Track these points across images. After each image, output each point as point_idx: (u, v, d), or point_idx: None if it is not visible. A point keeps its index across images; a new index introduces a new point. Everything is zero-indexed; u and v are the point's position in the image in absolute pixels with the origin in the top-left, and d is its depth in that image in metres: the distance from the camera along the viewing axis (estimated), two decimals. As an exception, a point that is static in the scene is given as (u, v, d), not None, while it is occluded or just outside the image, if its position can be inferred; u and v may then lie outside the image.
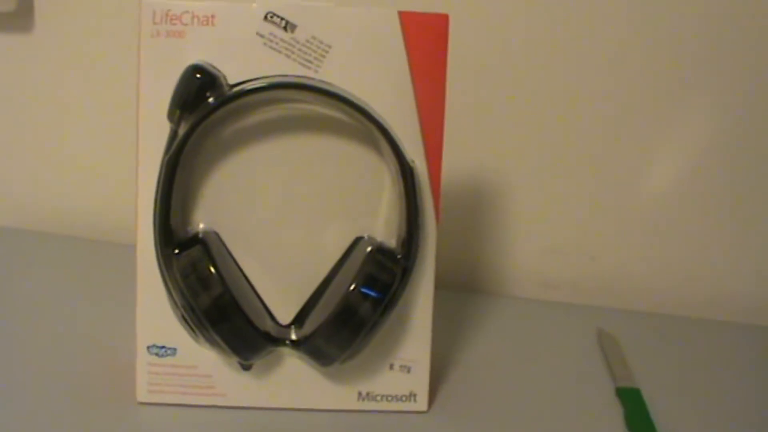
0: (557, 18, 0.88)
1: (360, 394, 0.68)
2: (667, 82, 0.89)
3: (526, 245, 0.95)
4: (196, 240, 0.63)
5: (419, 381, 0.68)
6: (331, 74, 0.62)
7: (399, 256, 0.63)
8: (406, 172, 0.62)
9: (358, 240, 0.66)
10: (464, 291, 0.93)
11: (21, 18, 0.98)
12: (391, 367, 0.68)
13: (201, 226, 0.65)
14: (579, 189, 0.93)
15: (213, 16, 0.62)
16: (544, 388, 0.74)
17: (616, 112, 0.90)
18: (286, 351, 0.66)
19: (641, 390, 0.73)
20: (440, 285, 0.67)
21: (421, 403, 0.68)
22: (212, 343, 0.63)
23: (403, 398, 0.68)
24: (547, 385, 0.74)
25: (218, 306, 0.60)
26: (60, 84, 0.99)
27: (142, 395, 0.67)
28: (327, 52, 0.62)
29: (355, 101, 0.62)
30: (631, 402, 0.71)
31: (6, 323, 0.78)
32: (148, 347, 0.66)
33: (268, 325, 0.65)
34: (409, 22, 0.63)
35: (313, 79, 0.62)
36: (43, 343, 0.75)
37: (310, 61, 0.62)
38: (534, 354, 0.80)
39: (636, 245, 0.94)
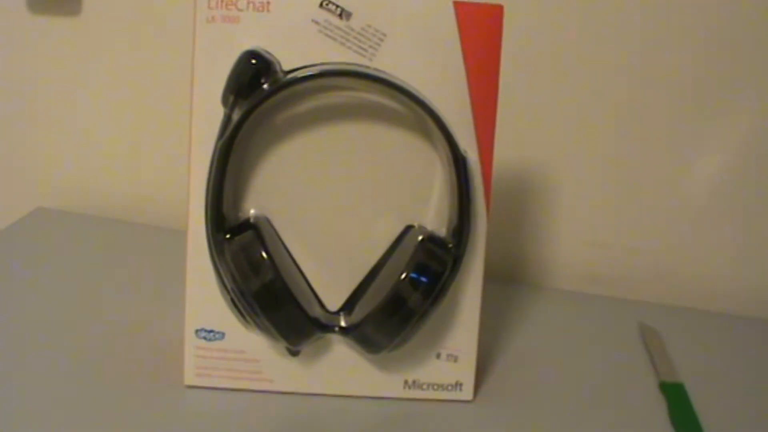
0: (608, 11, 0.88)
1: (406, 382, 0.68)
2: (712, 77, 0.88)
3: (571, 238, 0.95)
4: (248, 225, 0.63)
5: (466, 370, 0.68)
6: (385, 63, 0.62)
7: (450, 246, 0.63)
8: (459, 162, 0.62)
9: (408, 229, 0.66)
10: (509, 282, 0.93)
11: (69, 1, 0.98)
12: (438, 356, 0.68)
13: (252, 212, 0.65)
14: (623, 182, 0.92)
15: (268, 2, 0.62)
16: (588, 381, 0.74)
17: (663, 106, 0.90)
18: (334, 338, 0.66)
19: (685, 385, 0.73)
20: (487, 276, 0.67)
21: (467, 393, 0.69)
22: (261, 328, 0.63)
23: (449, 387, 0.68)
24: (590, 378, 0.74)
25: (269, 291, 0.61)
26: (111, 68, 0.98)
27: (189, 378, 0.67)
28: (382, 40, 0.62)
29: (409, 90, 0.61)
30: (675, 397, 0.71)
31: (56, 307, 0.78)
32: (197, 331, 0.66)
33: (317, 312, 0.65)
34: (464, 12, 0.63)
35: (367, 67, 0.62)
36: (93, 327, 0.75)
37: (364, 49, 0.62)
38: (577, 347, 0.80)
39: (680, 240, 0.93)
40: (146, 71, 0.98)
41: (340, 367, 0.67)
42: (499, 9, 0.63)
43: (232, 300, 0.64)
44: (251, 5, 0.62)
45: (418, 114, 0.63)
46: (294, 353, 0.67)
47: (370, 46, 0.62)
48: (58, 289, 0.82)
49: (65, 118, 1.02)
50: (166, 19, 0.95)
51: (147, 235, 0.95)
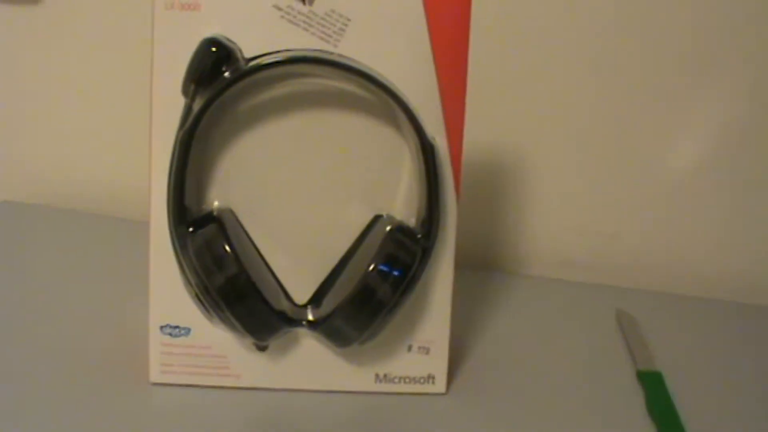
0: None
1: (377, 375, 0.67)
2: (692, 59, 0.88)
3: (546, 223, 0.94)
4: (211, 218, 0.61)
5: (438, 362, 0.67)
6: (350, 48, 0.61)
7: (419, 236, 0.62)
8: (427, 150, 0.61)
9: (376, 219, 0.65)
10: (482, 269, 0.92)
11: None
12: (410, 348, 0.67)
13: (216, 203, 0.64)
14: (600, 166, 0.92)
15: (229, -12, 0.60)
16: (564, 371, 0.73)
17: (640, 88, 0.89)
18: (302, 332, 0.65)
19: (662, 373, 0.72)
20: (459, 264, 0.66)
21: (440, 385, 0.68)
22: (227, 323, 0.62)
23: (422, 380, 0.67)
24: (566, 367, 0.73)
25: (233, 285, 0.59)
26: (70, 57, 0.98)
27: (155, 376, 0.66)
28: (346, 25, 0.61)
29: (375, 76, 0.60)
30: (653, 386, 0.70)
31: (15, 300, 0.77)
32: (162, 327, 0.65)
33: (284, 305, 0.64)
34: (431, -6, 0.61)
35: (331, 53, 0.61)
36: (55, 322, 0.74)
37: (328, 35, 0.61)
38: (553, 335, 0.79)
39: (657, 224, 0.92)
40: (108, 60, 0.97)
41: (310, 361, 0.66)
42: (467, -10, 0.61)
43: (197, 295, 0.62)
44: (211, -9, 0.60)
45: (385, 100, 0.61)
46: (261, 348, 0.65)
47: (335, 32, 0.61)
48: (22, 284, 0.81)
49: (27, 110, 1.01)
50: (128, 7, 0.93)
51: (114, 227, 0.94)
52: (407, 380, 0.67)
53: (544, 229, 0.94)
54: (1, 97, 1.01)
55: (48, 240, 0.91)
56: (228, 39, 0.60)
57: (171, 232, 0.62)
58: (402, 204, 0.65)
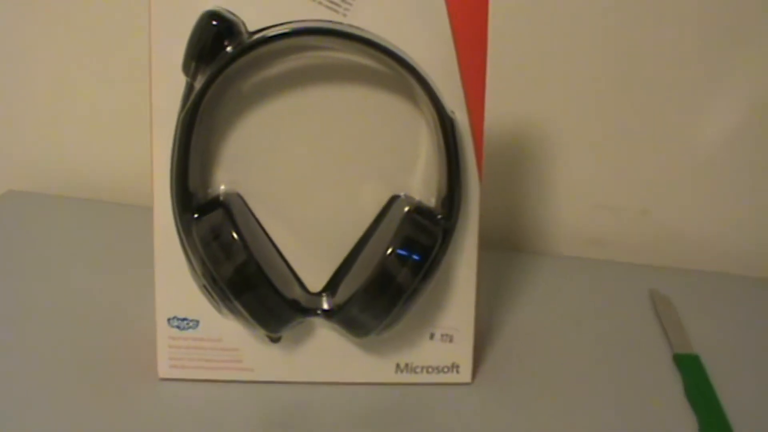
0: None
1: (398, 366, 0.65)
2: (720, 33, 0.85)
3: (574, 200, 0.92)
4: (217, 203, 0.59)
5: (462, 351, 0.65)
6: (362, 18, 0.58)
7: (439, 216, 0.60)
8: (446, 124, 0.58)
9: (394, 199, 0.62)
10: (508, 250, 0.90)
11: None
12: (432, 336, 0.64)
13: (222, 188, 0.61)
14: (629, 139, 0.89)
15: (230, -43, 0.57)
16: (596, 356, 0.70)
17: (669, 60, 0.87)
18: (317, 321, 0.63)
19: (700, 357, 0.69)
20: (482, 244, 0.63)
21: (465, 375, 0.65)
22: (236, 314, 0.59)
23: (445, 369, 0.65)
24: (598, 352, 0.71)
25: (242, 275, 0.57)
26: (70, 39, 0.97)
27: (163, 371, 0.64)
28: (356, -7, 0.58)
29: (388, 47, 0.57)
30: (690, 370, 0.68)
31: (18, 293, 0.76)
32: (169, 320, 0.63)
33: (297, 294, 0.62)
34: (447, -44, 0.58)
35: (341, 23, 0.58)
36: (60, 315, 0.72)
37: (337, 4, 0.58)
38: (584, 318, 0.76)
39: (691, 199, 0.90)
40: (109, 40, 0.96)
41: (326, 352, 0.64)
42: (486, -47, 0.58)
43: (204, 285, 0.60)
44: (211, -39, 0.57)
45: (400, 73, 0.58)
46: (275, 340, 0.63)
47: (344, 1, 0.58)
48: (25, 275, 0.79)
49: (26, 97, 1.00)
50: None
51: (119, 214, 0.92)
52: (430, 370, 0.65)
53: (571, 207, 0.92)
54: (2, 87, 1.00)
55: (52, 229, 0.89)
56: (230, 11, 0.57)
57: (175, 219, 0.59)
58: (420, 183, 0.62)
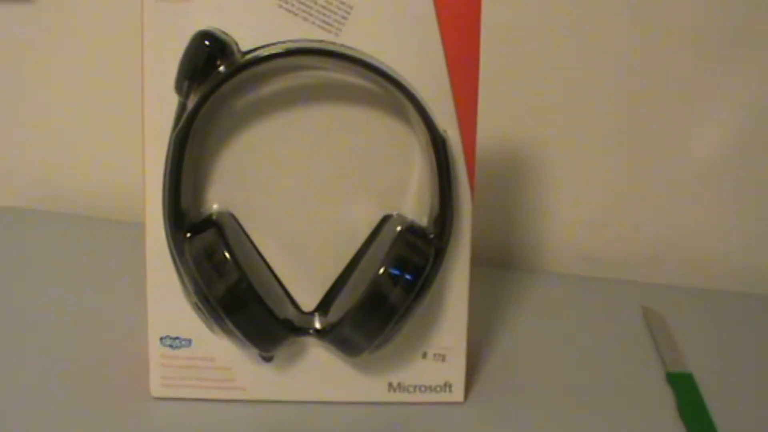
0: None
1: (391, 385, 0.64)
2: (714, 48, 0.85)
3: (566, 217, 0.92)
4: (210, 222, 0.59)
5: (455, 370, 0.64)
6: (354, 38, 0.58)
7: (431, 236, 0.59)
8: (438, 143, 0.58)
9: (386, 218, 0.62)
10: (500, 267, 0.89)
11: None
12: (425, 355, 0.64)
13: (215, 207, 0.61)
14: (620, 156, 0.89)
15: (222, -23, 0.57)
16: (589, 374, 0.70)
17: (660, 76, 0.87)
18: (310, 341, 0.62)
19: (693, 375, 0.69)
20: (474, 262, 0.63)
21: (458, 394, 0.65)
22: (229, 333, 0.59)
23: (438, 389, 0.64)
24: (591, 370, 0.70)
25: (234, 294, 0.56)
26: (65, 57, 0.97)
27: (156, 390, 0.63)
28: (348, 13, 0.58)
29: (381, 67, 0.57)
30: (684, 388, 0.67)
31: (9, 312, 0.75)
32: (161, 338, 0.62)
33: (289, 313, 0.62)
34: (438, -23, 0.58)
35: (333, 43, 0.58)
36: (51, 334, 0.72)
37: (330, 24, 0.58)
38: (576, 336, 0.76)
39: (683, 215, 0.90)
40: (103, 60, 0.96)
41: (319, 371, 0.63)
42: (476, -26, 0.58)
43: (197, 304, 0.59)
44: (204, -19, 0.57)
45: (392, 92, 0.58)
46: (267, 359, 0.63)
47: (336, 20, 0.58)
48: (17, 293, 0.79)
49: (22, 112, 1.00)
50: (122, 5, 0.92)
51: (113, 232, 0.92)
52: (423, 389, 0.64)
53: (563, 224, 0.92)
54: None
55: (44, 247, 0.89)
56: (222, 31, 0.57)
57: (167, 238, 0.59)
58: (413, 202, 0.62)
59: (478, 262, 0.64)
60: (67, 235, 0.92)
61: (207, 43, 0.56)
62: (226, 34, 0.57)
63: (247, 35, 0.57)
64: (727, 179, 0.88)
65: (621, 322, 0.78)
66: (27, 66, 0.98)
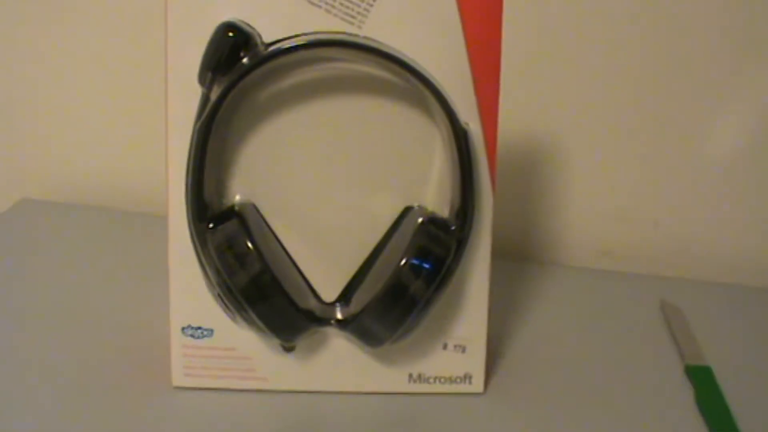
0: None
1: (411, 376, 0.64)
2: (733, 42, 0.85)
3: (585, 211, 0.91)
4: (232, 213, 0.59)
5: (475, 361, 0.64)
6: (376, 30, 0.58)
7: (453, 227, 0.59)
8: (460, 136, 0.58)
9: (407, 210, 0.62)
10: (520, 260, 0.89)
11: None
12: (445, 346, 0.64)
13: (237, 197, 0.61)
14: (640, 150, 0.89)
15: (246, -30, 0.57)
16: (608, 367, 0.70)
17: (681, 70, 0.86)
18: (331, 331, 0.62)
19: (712, 368, 0.69)
20: (495, 254, 0.63)
21: (477, 385, 0.65)
22: (251, 323, 0.59)
23: (458, 380, 0.65)
24: (610, 363, 0.71)
25: (257, 284, 0.57)
26: (87, 51, 0.96)
27: (177, 379, 0.64)
28: (371, 5, 0.58)
29: (403, 59, 0.57)
30: (702, 381, 0.67)
31: (39, 304, 0.75)
32: (183, 328, 0.63)
33: (311, 304, 0.62)
34: (460, -31, 0.58)
35: (356, 35, 0.58)
36: (72, 324, 0.72)
37: (352, 16, 0.58)
38: (595, 329, 0.76)
39: (703, 209, 0.90)
40: (123, 51, 0.95)
41: (339, 362, 0.64)
42: (499, -36, 0.58)
43: (219, 294, 0.60)
44: (227, -27, 0.57)
45: (414, 85, 0.58)
46: (288, 349, 0.63)
47: (359, 13, 0.58)
48: (41, 284, 0.79)
49: (41, 106, 1.00)
50: None
51: (136, 223, 0.91)
52: (443, 380, 0.65)
53: (584, 218, 0.92)
54: (18, 95, 0.99)
55: (66, 238, 0.89)
56: (246, 23, 0.57)
57: (190, 229, 0.59)
58: (434, 194, 0.62)
59: (497, 254, 0.64)
60: (90, 227, 0.92)
61: (230, 34, 0.56)
62: (250, 26, 0.57)
63: (271, 27, 0.57)
64: (747, 174, 0.88)
65: (639, 316, 0.78)
66: (46, 57, 0.98)
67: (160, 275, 0.63)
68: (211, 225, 0.58)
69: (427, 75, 0.57)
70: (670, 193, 0.89)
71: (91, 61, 0.97)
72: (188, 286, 0.62)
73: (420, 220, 0.60)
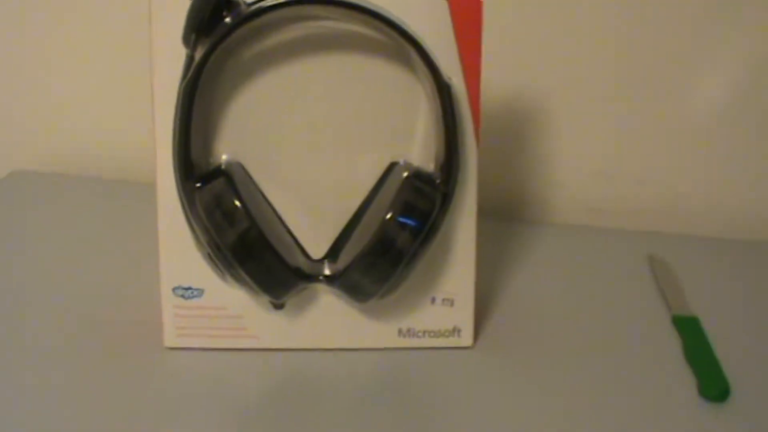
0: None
1: (400, 330, 0.65)
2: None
3: (572, 169, 0.91)
4: (219, 172, 0.59)
5: (463, 315, 0.65)
6: (358, -13, 0.58)
7: (438, 181, 0.60)
8: (443, 91, 0.58)
9: (393, 165, 0.62)
10: (507, 219, 0.89)
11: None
12: (433, 300, 0.64)
13: (224, 157, 0.62)
14: (625, 108, 0.89)
15: (226, -72, 0.57)
16: (596, 320, 0.70)
17: (664, 28, 0.86)
18: (319, 287, 0.63)
19: (699, 318, 0.69)
20: (481, 213, 0.63)
21: (466, 338, 0.66)
22: (240, 282, 0.60)
23: (447, 333, 0.65)
24: (598, 316, 0.71)
25: (245, 242, 0.57)
26: (68, 13, 0.96)
27: (169, 340, 0.64)
28: (352, -38, 0.58)
29: (385, 15, 0.57)
30: (690, 331, 0.68)
31: (31, 272, 0.76)
32: (174, 289, 0.63)
33: (299, 261, 0.62)
34: (441, -74, 0.58)
35: (338, -7, 0.58)
36: (65, 290, 0.73)
37: (334, -26, 0.58)
38: (583, 283, 0.76)
39: (687, 165, 0.90)
40: (108, 16, 0.95)
41: (329, 318, 0.64)
42: None
43: (208, 254, 0.60)
44: (208, -68, 0.57)
45: (397, 41, 0.58)
46: (278, 307, 0.63)
47: (341, -30, 0.58)
48: (33, 253, 0.79)
49: (28, 77, 1.00)
50: None
51: (125, 193, 0.91)
52: (432, 334, 0.65)
53: (569, 175, 0.92)
54: (5, 69, 0.99)
55: (56, 208, 0.89)
56: (228, -17, 0.57)
57: (178, 189, 0.59)
58: (419, 150, 0.62)
59: (484, 213, 0.65)
60: (82, 196, 0.92)
61: (213, -6, 0.56)
62: (232, -15, 0.57)
63: (253, -14, 0.57)
64: (731, 130, 0.88)
65: (627, 271, 0.79)
66: (31, 28, 0.97)
67: (151, 240, 0.63)
68: (198, 184, 0.58)
69: (410, 31, 0.57)
70: (656, 150, 0.90)
71: (77, 30, 0.96)
72: (178, 247, 0.62)
73: (405, 174, 0.60)
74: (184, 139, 0.58)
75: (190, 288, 0.63)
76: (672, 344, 0.67)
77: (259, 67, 0.60)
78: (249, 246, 0.57)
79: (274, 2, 0.56)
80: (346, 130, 0.62)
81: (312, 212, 0.63)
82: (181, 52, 0.58)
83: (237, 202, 0.57)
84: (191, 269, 0.62)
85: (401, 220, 0.57)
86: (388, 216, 0.57)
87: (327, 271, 0.63)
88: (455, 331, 0.65)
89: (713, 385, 0.61)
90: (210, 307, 0.63)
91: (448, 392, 0.61)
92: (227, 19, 0.57)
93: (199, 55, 0.57)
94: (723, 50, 0.86)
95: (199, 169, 0.59)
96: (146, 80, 0.60)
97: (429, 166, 0.62)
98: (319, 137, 0.62)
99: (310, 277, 0.61)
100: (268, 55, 0.60)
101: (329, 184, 0.62)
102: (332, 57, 0.60)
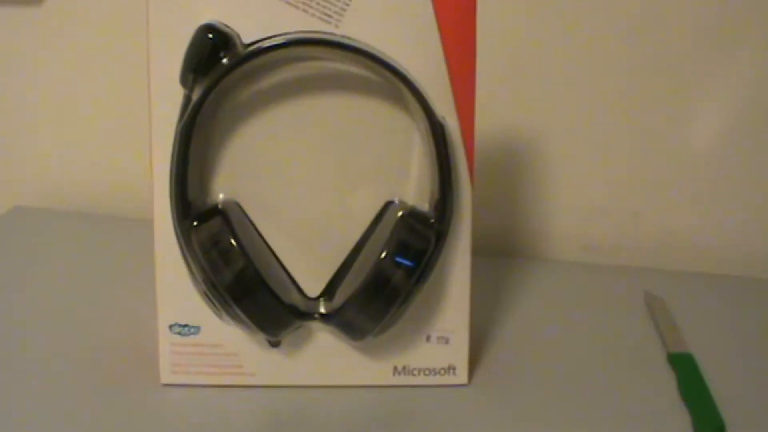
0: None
1: (396, 368, 0.65)
2: (711, 34, 0.85)
3: (566, 205, 0.92)
4: (216, 211, 0.60)
5: (458, 352, 0.65)
6: (353, 28, 0.59)
7: (432, 220, 0.60)
8: (437, 130, 0.59)
9: (388, 205, 0.63)
10: (501, 256, 0.90)
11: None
12: (428, 338, 0.65)
13: (221, 196, 0.62)
14: (619, 144, 0.89)
15: (224, -28, 0.58)
16: (591, 357, 0.70)
17: (656, 63, 0.87)
18: (315, 325, 0.63)
19: (694, 355, 0.69)
20: (476, 251, 0.64)
21: (461, 376, 0.66)
22: (236, 320, 0.60)
23: (442, 371, 0.65)
24: (593, 353, 0.71)
25: (241, 280, 0.57)
26: (73, 58, 0.97)
27: (165, 376, 0.64)
28: (347, 5, 0.59)
29: (380, 56, 0.58)
30: (684, 368, 0.68)
31: (31, 307, 0.76)
32: (170, 326, 0.63)
33: (295, 299, 0.62)
34: (434, -34, 0.59)
35: (333, 34, 0.59)
36: (63, 326, 0.73)
37: (329, 15, 0.59)
38: (578, 320, 0.76)
39: (682, 202, 0.90)
40: (111, 60, 0.96)
41: (325, 356, 0.64)
42: (472, -40, 0.59)
43: (205, 292, 0.60)
44: (206, -25, 0.58)
45: (391, 81, 0.59)
46: (274, 344, 0.63)
47: (336, 12, 0.59)
48: (33, 289, 0.80)
49: (31, 114, 1.01)
50: (129, 6, 0.92)
51: (125, 228, 0.92)
52: (427, 372, 0.65)
53: (564, 211, 0.92)
54: (7, 103, 1.00)
55: (56, 243, 0.90)
56: (225, 24, 0.58)
57: (175, 228, 0.60)
58: (414, 188, 0.63)
59: (479, 251, 0.65)
60: (81, 233, 0.93)
61: (210, 36, 0.57)
62: (229, 27, 0.58)
63: (250, 28, 0.58)
64: (726, 166, 0.88)
65: (623, 307, 0.79)
66: (33, 67, 0.98)
67: (149, 278, 0.63)
68: (195, 223, 0.59)
69: (403, 71, 0.58)
70: (651, 187, 0.90)
71: (78, 69, 0.98)
72: (174, 285, 0.62)
73: (400, 213, 0.60)
74: (181, 179, 0.58)
75: (186, 325, 0.63)
76: (667, 381, 0.67)
77: (256, 106, 0.61)
78: (245, 285, 0.57)
79: (271, 43, 0.57)
80: (341, 169, 0.62)
81: (308, 251, 0.63)
82: (178, 92, 0.59)
83: (233, 241, 0.57)
84: (188, 307, 0.63)
85: (396, 259, 0.58)
86: (383, 255, 0.58)
87: (323, 310, 0.63)
88: (450, 368, 0.65)
89: (708, 422, 0.61)
90: (206, 344, 0.63)
91: (444, 430, 0.61)
92: (225, 60, 0.57)
93: (196, 95, 0.58)
94: (718, 90, 0.87)
95: (195, 208, 0.60)
96: (145, 119, 0.61)
97: (424, 204, 0.62)
98: (314, 176, 0.62)
99: (306, 315, 0.62)
100: (265, 95, 0.61)
101: (325, 223, 0.63)
102: (327, 97, 0.61)
